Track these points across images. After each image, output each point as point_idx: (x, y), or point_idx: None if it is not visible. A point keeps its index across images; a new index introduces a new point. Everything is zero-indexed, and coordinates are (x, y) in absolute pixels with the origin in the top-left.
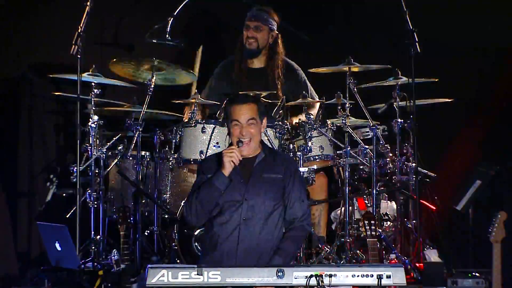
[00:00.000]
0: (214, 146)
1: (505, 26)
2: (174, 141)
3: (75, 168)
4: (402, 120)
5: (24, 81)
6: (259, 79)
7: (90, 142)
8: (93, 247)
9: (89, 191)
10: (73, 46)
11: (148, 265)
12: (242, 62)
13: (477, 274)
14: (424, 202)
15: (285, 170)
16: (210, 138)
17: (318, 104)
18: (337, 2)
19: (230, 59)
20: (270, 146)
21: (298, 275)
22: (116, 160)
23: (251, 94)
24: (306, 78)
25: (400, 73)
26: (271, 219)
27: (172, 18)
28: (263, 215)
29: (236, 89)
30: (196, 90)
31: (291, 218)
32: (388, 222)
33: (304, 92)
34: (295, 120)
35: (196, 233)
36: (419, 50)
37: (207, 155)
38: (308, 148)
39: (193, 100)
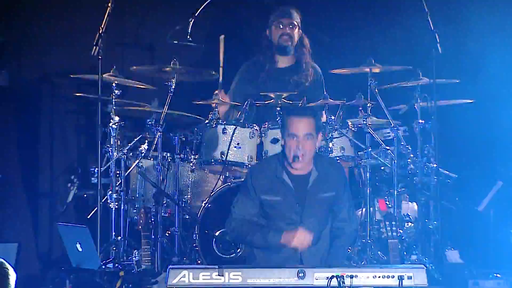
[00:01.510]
0: (235, 147)
1: None
2: (195, 141)
3: (96, 169)
4: (423, 121)
5: (45, 82)
6: (284, 79)
7: (111, 143)
8: (114, 248)
9: (110, 192)
10: (94, 47)
11: (169, 266)
12: (268, 62)
13: (498, 275)
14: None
15: (337, 185)
16: (231, 139)
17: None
18: (358, 2)
19: (254, 59)
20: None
21: (319, 276)
22: (137, 161)
23: (272, 95)
24: (323, 80)
25: (421, 74)
26: (323, 234)
27: (193, 19)
28: (318, 232)
29: (259, 90)
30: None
31: (341, 224)
32: (409, 223)
33: (325, 93)
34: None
35: (216, 234)
36: (440, 51)
37: (258, 162)
38: (329, 149)
39: (214, 101)
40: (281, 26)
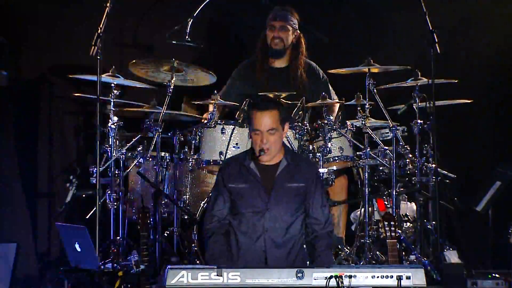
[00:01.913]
0: (234, 147)
1: None
2: (193, 142)
3: (95, 169)
4: (421, 121)
5: (44, 82)
6: (281, 79)
7: (110, 143)
8: (112, 248)
9: (109, 192)
10: (93, 47)
11: (168, 266)
12: (264, 62)
13: (497, 275)
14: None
15: (307, 178)
16: (230, 139)
17: (337, 107)
18: (357, 2)
19: (251, 59)
20: (291, 149)
21: (317, 276)
22: (135, 161)
23: (271, 95)
24: (327, 80)
25: (419, 74)
26: (292, 228)
27: (191, 19)
28: (285, 224)
29: (257, 90)
30: (215, 91)
31: (313, 225)
32: (408, 223)
33: (324, 93)
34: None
35: None
36: (439, 51)
37: (227, 158)
38: (328, 149)
39: (212, 101)
40: (273, 29)
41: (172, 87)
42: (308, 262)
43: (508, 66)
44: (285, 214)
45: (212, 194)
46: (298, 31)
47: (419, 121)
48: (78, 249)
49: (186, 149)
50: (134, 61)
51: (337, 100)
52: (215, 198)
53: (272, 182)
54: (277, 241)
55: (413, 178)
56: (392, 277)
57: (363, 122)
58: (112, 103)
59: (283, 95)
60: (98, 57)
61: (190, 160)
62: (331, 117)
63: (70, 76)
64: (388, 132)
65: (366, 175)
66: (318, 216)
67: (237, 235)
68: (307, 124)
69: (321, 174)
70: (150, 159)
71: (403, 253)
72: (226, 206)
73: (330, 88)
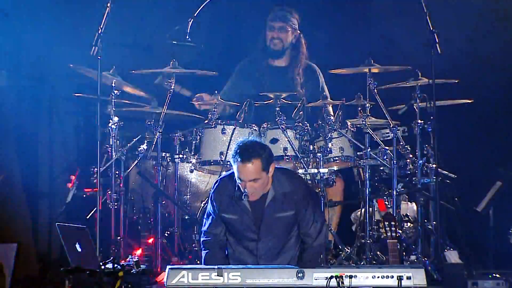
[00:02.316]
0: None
1: None
2: (194, 142)
3: (96, 169)
4: (422, 121)
5: (44, 82)
6: (281, 77)
7: (111, 143)
8: (113, 248)
9: (110, 192)
10: (93, 47)
11: (168, 266)
12: (264, 62)
13: (497, 275)
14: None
15: (296, 203)
16: (230, 139)
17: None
18: (358, 2)
19: (251, 57)
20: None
21: (318, 276)
22: (136, 161)
23: (271, 95)
24: (324, 83)
25: (420, 74)
26: (287, 247)
27: (191, 19)
28: (277, 249)
29: (257, 89)
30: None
31: (305, 238)
32: (408, 224)
33: (323, 93)
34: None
35: None
36: (439, 51)
37: (220, 182)
38: (328, 149)
39: (213, 101)
40: (273, 30)
41: (172, 87)
42: None
43: (508, 66)
44: (277, 241)
45: (207, 214)
46: (298, 31)
47: (419, 121)
48: (79, 249)
49: (187, 149)
50: (133, 71)
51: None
52: (211, 220)
53: (261, 214)
54: (272, 263)
55: (413, 178)
56: (392, 277)
57: (364, 122)
58: (112, 103)
59: (283, 95)
60: (99, 57)
61: (191, 160)
62: (331, 118)
63: (71, 76)
64: (388, 132)
65: (367, 175)
66: (310, 232)
67: (234, 250)
68: (308, 124)
69: (322, 174)
70: (151, 159)
71: (404, 253)
72: (222, 230)
73: (327, 92)
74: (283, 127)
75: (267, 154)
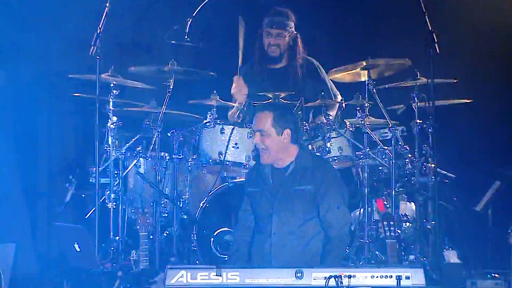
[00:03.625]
0: (233, 147)
1: None
2: (193, 142)
3: (94, 169)
4: (421, 121)
5: (43, 82)
6: (279, 79)
7: (109, 143)
8: (112, 248)
9: (108, 192)
10: (92, 47)
11: (167, 266)
12: (262, 64)
13: (496, 275)
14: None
15: (316, 180)
16: (229, 139)
17: (337, 104)
18: (356, 2)
19: (250, 62)
20: (309, 151)
21: (317, 275)
22: (135, 161)
23: (270, 95)
24: (326, 76)
25: (419, 74)
26: (302, 231)
27: (191, 19)
28: (293, 226)
29: (257, 90)
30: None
31: (326, 228)
32: (407, 223)
33: (322, 92)
34: None
35: (214, 234)
36: (438, 51)
37: (248, 171)
38: (327, 149)
39: (211, 102)
40: (270, 37)
41: (171, 87)
42: None
43: (508, 66)
44: (292, 219)
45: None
46: (294, 31)
47: (418, 121)
48: (78, 249)
49: (185, 149)
50: (133, 68)
51: (339, 95)
52: (242, 211)
53: (280, 185)
54: (285, 245)
55: (412, 178)
56: (391, 277)
57: (363, 122)
58: (111, 103)
59: (283, 95)
60: (98, 57)
61: (190, 160)
62: (330, 115)
63: (70, 75)
64: (387, 132)
65: (365, 175)
66: (329, 219)
67: (255, 230)
68: (307, 124)
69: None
70: (150, 159)
71: (403, 253)
72: (250, 216)
73: (331, 84)
74: None
75: (286, 118)
